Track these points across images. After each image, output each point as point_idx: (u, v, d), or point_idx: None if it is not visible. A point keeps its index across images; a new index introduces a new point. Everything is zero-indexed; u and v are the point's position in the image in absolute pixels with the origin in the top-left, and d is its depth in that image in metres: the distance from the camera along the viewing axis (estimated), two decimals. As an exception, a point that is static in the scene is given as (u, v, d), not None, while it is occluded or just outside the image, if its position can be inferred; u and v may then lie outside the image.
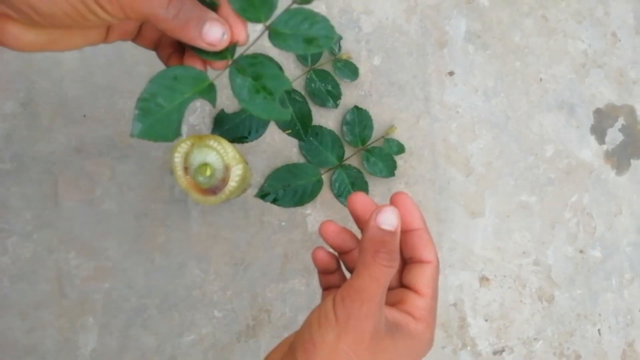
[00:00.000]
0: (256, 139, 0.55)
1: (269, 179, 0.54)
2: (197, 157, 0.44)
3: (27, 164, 0.53)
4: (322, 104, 0.55)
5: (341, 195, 0.55)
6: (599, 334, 0.59)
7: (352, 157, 0.55)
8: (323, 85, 0.55)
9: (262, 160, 0.55)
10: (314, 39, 0.33)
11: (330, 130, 0.55)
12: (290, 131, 0.55)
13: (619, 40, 0.60)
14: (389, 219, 0.30)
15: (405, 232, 0.34)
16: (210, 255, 0.54)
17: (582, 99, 0.59)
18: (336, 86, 0.55)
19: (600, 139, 0.60)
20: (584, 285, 0.59)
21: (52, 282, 0.52)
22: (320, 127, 0.55)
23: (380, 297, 0.29)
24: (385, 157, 0.55)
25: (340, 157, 0.55)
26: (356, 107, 0.55)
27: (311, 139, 0.55)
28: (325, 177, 0.55)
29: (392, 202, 0.34)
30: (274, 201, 0.55)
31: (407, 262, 0.35)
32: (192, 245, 0.54)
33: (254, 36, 0.33)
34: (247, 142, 0.55)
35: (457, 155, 0.57)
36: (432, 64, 0.57)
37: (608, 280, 0.59)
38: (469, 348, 0.57)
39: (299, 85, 0.55)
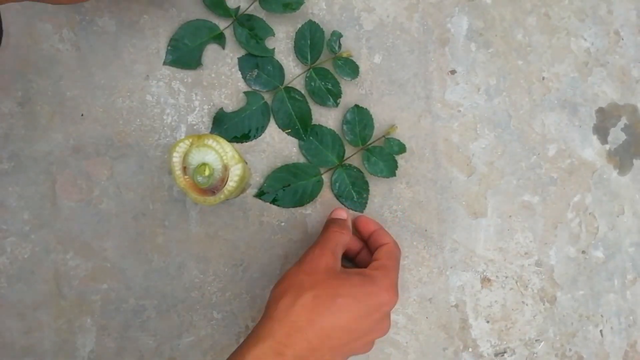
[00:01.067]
0: (255, 138, 0.54)
1: (268, 179, 0.54)
2: (196, 157, 0.44)
3: (25, 163, 0.52)
4: (322, 102, 0.55)
5: (341, 195, 0.55)
6: (601, 335, 0.58)
7: (352, 157, 0.55)
8: (323, 83, 0.54)
9: (262, 160, 0.55)
10: (289, 3, 0.52)
11: (331, 130, 0.55)
12: (289, 130, 0.54)
13: (622, 39, 0.60)
14: (339, 213, 0.51)
15: (370, 235, 0.51)
16: (209, 256, 0.54)
17: (585, 98, 0.59)
18: (336, 85, 0.55)
19: (603, 138, 0.59)
20: (586, 286, 0.58)
21: (50, 282, 0.52)
22: (320, 126, 0.55)
23: (333, 249, 0.44)
24: (386, 156, 0.54)
25: (341, 157, 0.55)
26: (356, 106, 0.55)
27: (311, 138, 0.55)
28: (325, 177, 0.55)
29: (356, 219, 0.53)
30: (274, 201, 0.54)
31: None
32: (191, 246, 0.54)
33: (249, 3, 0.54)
34: (246, 141, 0.54)
35: (458, 154, 0.57)
36: (434, 62, 0.57)
37: (610, 281, 0.58)
38: (470, 350, 0.56)
39: (298, 83, 0.55)
